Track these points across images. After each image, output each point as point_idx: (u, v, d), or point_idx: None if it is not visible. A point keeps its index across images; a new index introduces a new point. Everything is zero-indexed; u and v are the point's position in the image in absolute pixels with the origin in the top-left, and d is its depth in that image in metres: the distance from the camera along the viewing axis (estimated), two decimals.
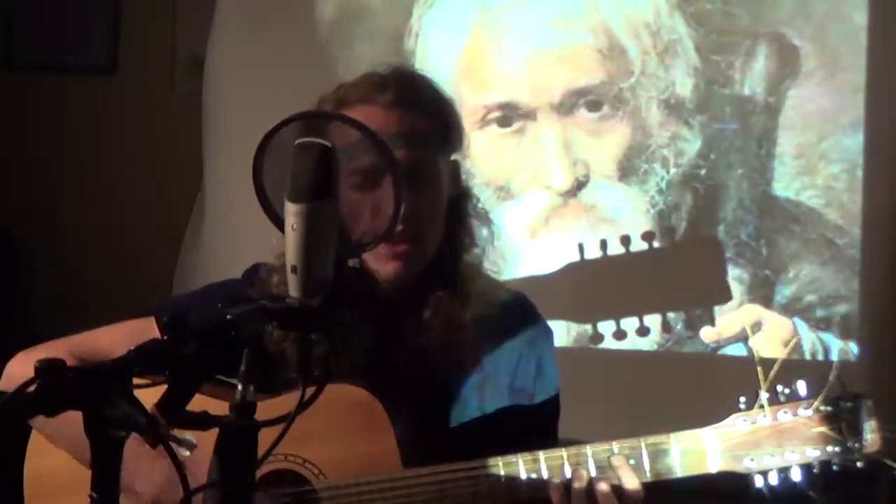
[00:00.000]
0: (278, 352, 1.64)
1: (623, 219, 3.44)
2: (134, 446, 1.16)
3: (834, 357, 3.29)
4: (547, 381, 1.87)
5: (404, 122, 1.78)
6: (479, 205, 1.92)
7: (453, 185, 1.86)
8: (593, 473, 1.68)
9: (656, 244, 3.38)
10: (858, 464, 1.63)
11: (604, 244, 3.40)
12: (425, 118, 1.81)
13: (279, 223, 1.26)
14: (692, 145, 3.42)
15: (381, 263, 1.78)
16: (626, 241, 3.38)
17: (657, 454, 1.69)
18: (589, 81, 3.47)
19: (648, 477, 1.68)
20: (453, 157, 1.87)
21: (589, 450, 1.69)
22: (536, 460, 1.70)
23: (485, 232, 1.90)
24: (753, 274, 3.37)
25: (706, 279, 3.36)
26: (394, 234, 1.43)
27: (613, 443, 1.69)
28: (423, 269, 1.82)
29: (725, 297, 3.31)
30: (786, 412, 1.66)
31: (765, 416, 1.66)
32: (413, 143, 1.77)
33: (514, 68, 3.54)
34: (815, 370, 3.17)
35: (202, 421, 1.20)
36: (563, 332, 3.38)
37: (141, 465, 1.68)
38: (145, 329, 1.73)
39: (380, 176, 1.60)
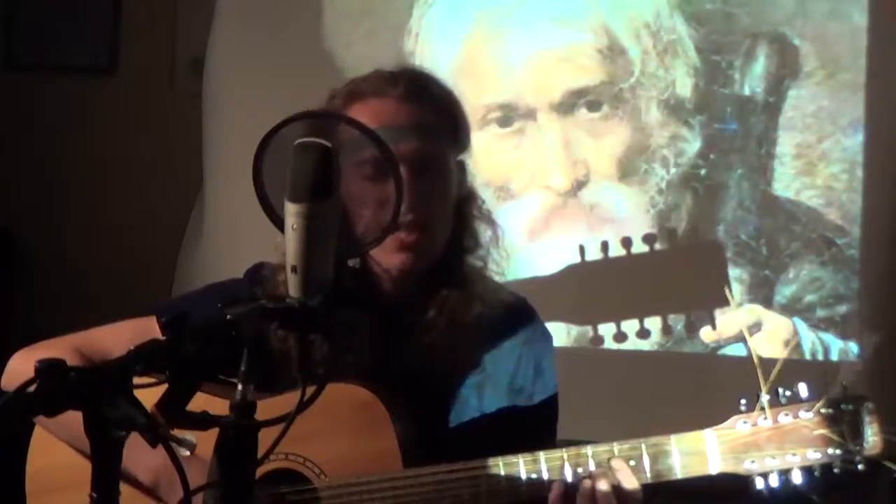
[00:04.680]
0: (281, 351, 1.64)
1: (623, 219, 3.44)
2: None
3: (834, 357, 3.29)
4: (545, 381, 1.87)
5: (416, 114, 1.79)
6: (484, 206, 1.92)
7: (460, 185, 1.86)
8: None
9: (658, 246, 3.38)
10: (860, 466, 1.63)
11: (605, 246, 3.40)
12: (436, 113, 1.82)
13: (279, 223, 1.26)
14: (692, 145, 3.42)
15: (390, 254, 1.77)
16: (627, 243, 3.37)
17: (658, 455, 1.68)
18: (589, 81, 3.47)
19: (649, 478, 1.68)
20: (460, 157, 1.87)
21: (589, 450, 1.69)
22: (537, 461, 1.69)
23: (489, 234, 1.90)
24: (753, 274, 3.37)
25: (707, 283, 3.36)
26: (399, 226, 1.42)
27: (614, 444, 1.69)
28: (428, 268, 1.82)
29: (725, 302, 3.30)
30: (787, 414, 1.66)
31: (765, 418, 1.66)
32: (424, 135, 1.77)
33: (514, 68, 3.54)
34: (815, 370, 3.18)
35: (202, 421, 1.20)
36: (564, 334, 3.38)
37: (138, 451, 1.68)
38: (148, 328, 1.72)
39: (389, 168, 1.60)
